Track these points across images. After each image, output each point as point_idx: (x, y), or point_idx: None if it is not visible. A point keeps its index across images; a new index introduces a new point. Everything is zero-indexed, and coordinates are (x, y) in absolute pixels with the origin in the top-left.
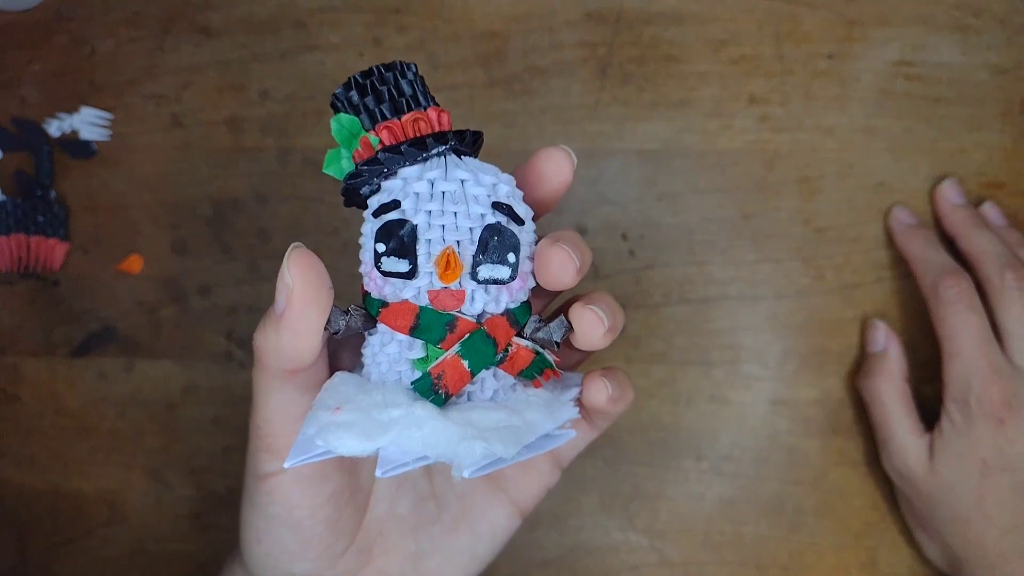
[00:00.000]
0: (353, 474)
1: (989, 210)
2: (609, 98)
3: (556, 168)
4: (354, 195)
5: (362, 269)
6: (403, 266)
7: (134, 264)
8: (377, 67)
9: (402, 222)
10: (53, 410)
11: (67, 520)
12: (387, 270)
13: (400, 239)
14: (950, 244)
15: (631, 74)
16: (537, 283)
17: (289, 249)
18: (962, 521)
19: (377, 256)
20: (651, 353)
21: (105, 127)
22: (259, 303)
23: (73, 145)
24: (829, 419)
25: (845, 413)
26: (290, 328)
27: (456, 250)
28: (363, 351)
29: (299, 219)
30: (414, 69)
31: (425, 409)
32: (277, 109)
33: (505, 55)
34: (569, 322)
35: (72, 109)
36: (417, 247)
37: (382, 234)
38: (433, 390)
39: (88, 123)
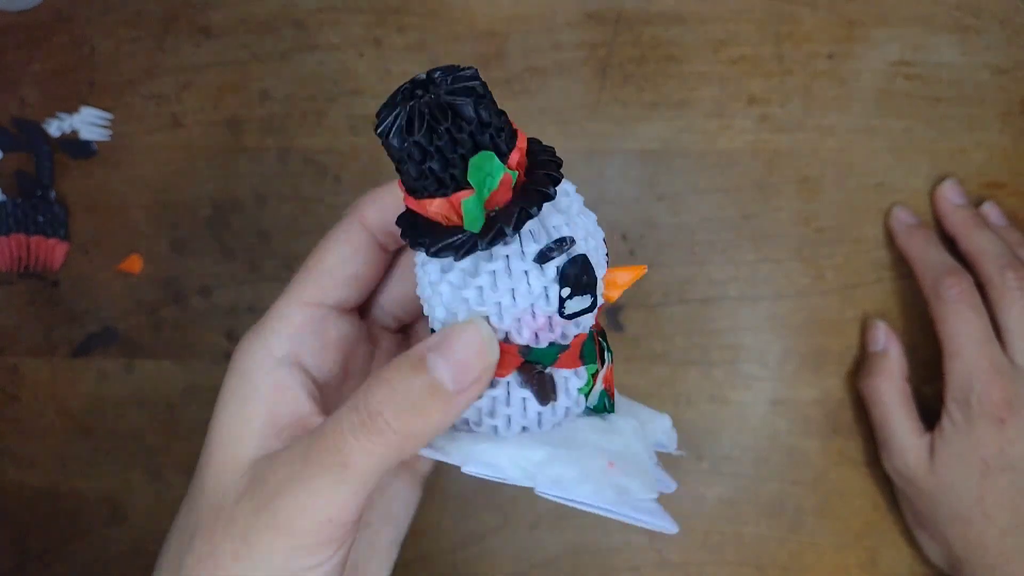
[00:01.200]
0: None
1: (989, 210)
2: (609, 98)
3: None
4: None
5: (511, 326)
6: (587, 301)
7: (134, 264)
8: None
9: (577, 259)
10: (53, 410)
11: (67, 520)
12: (573, 311)
13: (580, 276)
14: (950, 244)
15: (631, 74)
16: None
17: (477, 319)
18: (962, 521)
19: (562, 301)
20: (651, 353)
21: (105, 127)
22: (259, 303)
23: (73, 145)
24: (829, 419)
25: (845, 413)
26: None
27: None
28: (496, 409)
29: (299, 219)
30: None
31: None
32: (277, 109)
33: (505, 55)
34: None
35: (72, 109)
36: (596, 277)
37: (567, 278)
38: (608, 402)
39: (88, 123)
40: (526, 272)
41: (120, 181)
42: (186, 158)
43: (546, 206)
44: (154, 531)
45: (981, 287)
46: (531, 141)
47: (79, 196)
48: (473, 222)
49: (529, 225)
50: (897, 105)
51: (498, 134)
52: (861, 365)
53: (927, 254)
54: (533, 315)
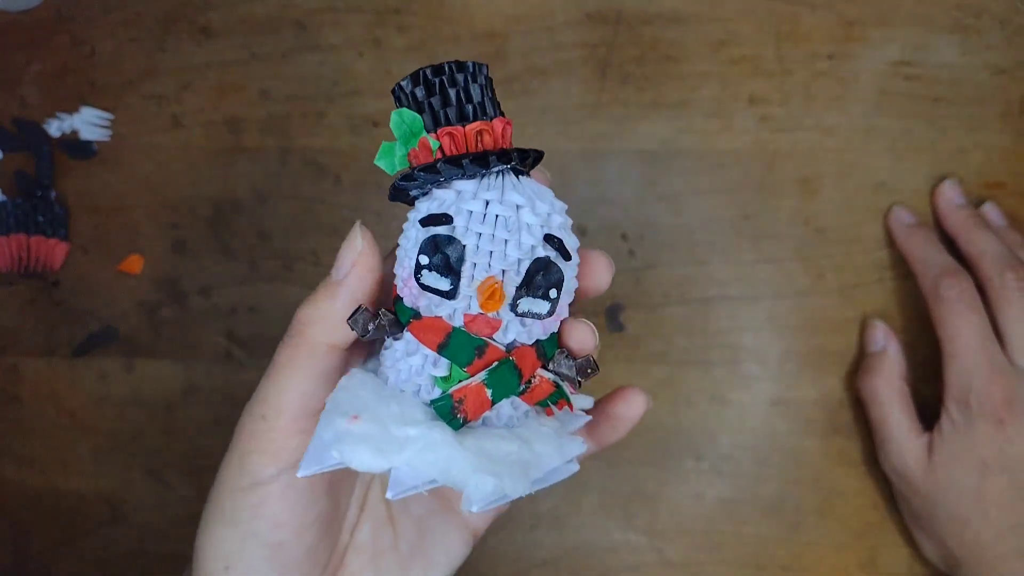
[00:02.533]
0: (335, 498)
1: (989, 210)
2: (609, 98)
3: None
4: (401, 193)
5: (398, 272)
6: (444, 284)
7: (134, 264)
8: (449, 65)
9: (451, 239)
10: (53, 410)
11: (67, 520)
12: (426, 284)
13: (446, 257)
14: (950, 244)
15: (631, 74)
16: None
17: (357, 224)
18: (961, 521)
19: (418, 267)
20: (651, 353)
21: (105, 127)
22: (259, 303)
23: (73, 145)
24: (829, 419)
25: (844, 413)
26: (351, 293)
27: (502, 280)
28: (383, 352)
29: (299, 219)
30: (485, 72)
31: (443, 433)
32: (277, 109)
33: (505, 55)
34: (596, 363)
35: (72, 109)
36: (462, 268)
37: (428, 247)
38: (452, 413)
39: (88, 123)
40: (414, 229)
41: (120, 181)
42: (186, 158)
43: (466, 195)
44: (154, 531)
45: (981, 287)
46: (537, 153)
47: (79, 196)
48: (382, 159)
49: (444, 194)
50: (897, 105)
51: (444, 106)
52: (860, 365)
53: (927, 254)
54: (404, 266)
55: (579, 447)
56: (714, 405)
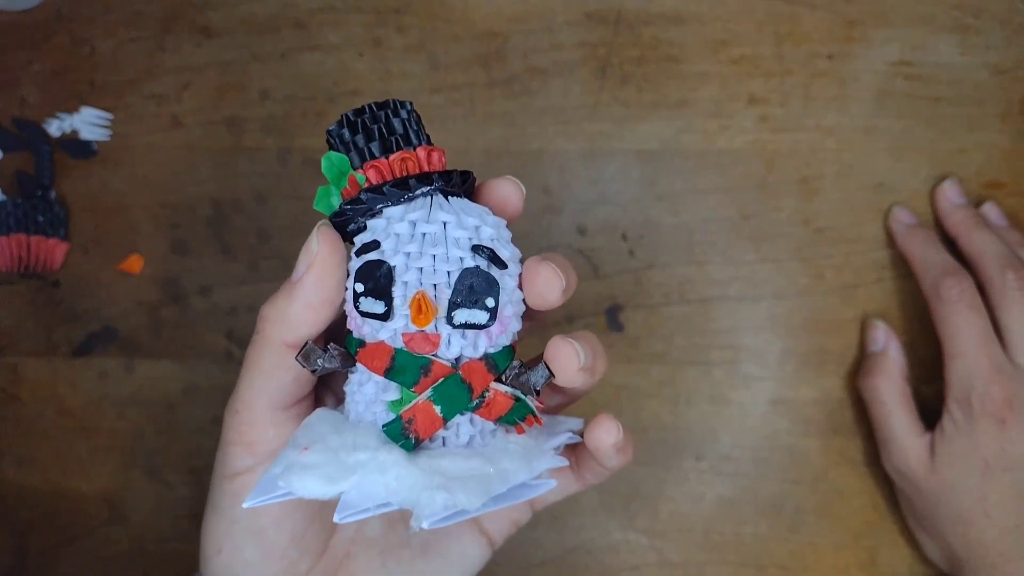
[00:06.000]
0: None
1: (989, 210)
2: (609, 98)
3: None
4: (342, 232)
5: (346, 307)
6: (379, 307)
7: (134, 264)
8: (370, 105)
9: (379, 263)
10: (53, 410)
11: (67, 520)
12: (364, 310)
13: (377, 280)
14: (951, 244)
15: (631, 74)
16: (524, 312)
17: (318, 224)
18: (963, 521)
19: (356, 296)
20: (651, 353)
21: (105, 127)
22: (259, 303)
23: (73, 145)
24: (829, 419)
25: (845, 413)
26: (305, 295)
27: (431, 293)
28: (345, 388)
29: (299, 219)
30: (408, 107)
31: (391, 454)
32: (277, 109)
33: (505, 55)
34: (550, 369)
35: (72, 109)
36: (393, 289)
37: (361, 274)
38: (403, 434)
39: (88, 123)
40: (352, 261)
41: (120, 181)
42: (186, 158)
43: (393, 219)
44: (154, 531)
45: (981, 287)
46: (462, 173)
47: (79, 196)
48: (320, 203)
49: (376, 223)
50: (897, 105)
51: (368, 142)
52: (861, 365)
53: (927, 254)
54: (347, 299)
55: (551, 461)
56: (714, 405)
